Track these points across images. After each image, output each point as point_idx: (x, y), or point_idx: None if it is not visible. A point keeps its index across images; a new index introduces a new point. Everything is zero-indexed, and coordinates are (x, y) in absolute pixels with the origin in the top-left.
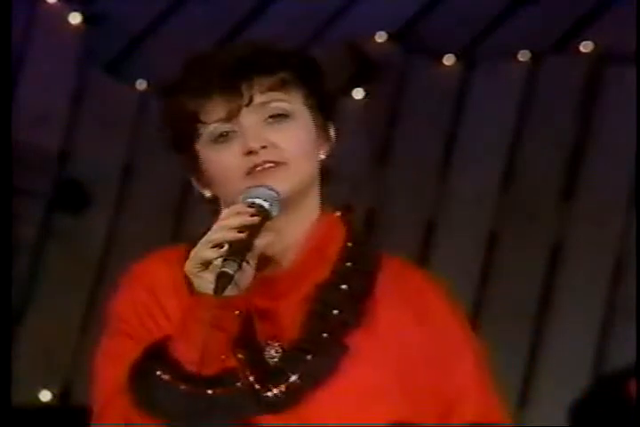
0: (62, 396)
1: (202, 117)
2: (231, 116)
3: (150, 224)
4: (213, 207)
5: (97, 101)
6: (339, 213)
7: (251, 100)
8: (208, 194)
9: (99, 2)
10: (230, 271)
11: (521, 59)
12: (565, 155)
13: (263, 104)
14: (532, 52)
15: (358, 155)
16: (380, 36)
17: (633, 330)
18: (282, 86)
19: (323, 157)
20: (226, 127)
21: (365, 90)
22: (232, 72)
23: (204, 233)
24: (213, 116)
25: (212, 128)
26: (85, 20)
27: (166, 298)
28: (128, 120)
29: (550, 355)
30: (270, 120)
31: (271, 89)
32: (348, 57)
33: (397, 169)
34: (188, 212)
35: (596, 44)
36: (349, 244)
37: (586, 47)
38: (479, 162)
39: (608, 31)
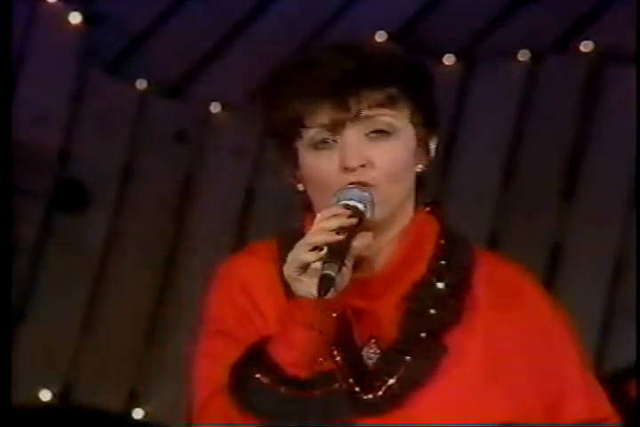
0: (62, 395)
1: (306, 122)
2: (336, 127)
3: (150, 224)
4: (305, 200)
5: (97, 101)
6: (428, 209)
7: (357, 115)
8: (301, 188)
9: (99, 1)
10: (332, 273)
11: (521, 58)
12: (565, 155)
13: (368, 118)
14: (532, 51)
15: None
16: (380, 36)
17: (633, 330)
18: (389, 102)
19: (420, 169)
20: (328, 135)
21: None
22: (340, 85)
23: (297, 233)
24: (317, 121)
25: (313, 133)
26: (85, 19)
27: (261, 297)
28: (128, 120)
29: None
30: (373, 135)
31: (379, 105)
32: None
33: None
34: (188, 212)
35: (596, 43)
36: (442, 241)
37: (586, 47)
38: (479, 161)
39: (608, 31)
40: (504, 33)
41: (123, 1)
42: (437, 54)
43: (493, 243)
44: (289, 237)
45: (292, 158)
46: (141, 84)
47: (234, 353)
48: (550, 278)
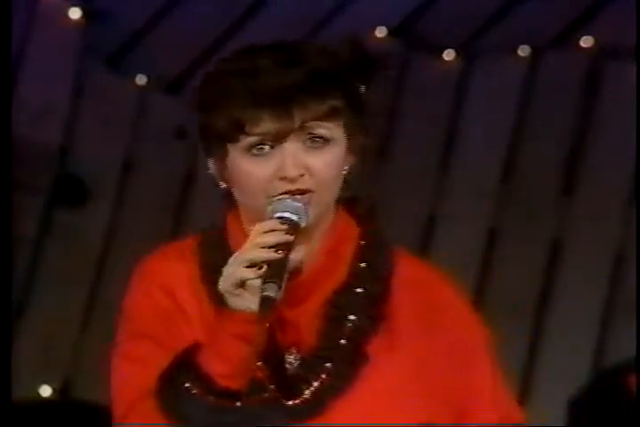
0: (62, 391)
1: (247, 128)
2: (278, 137)
3: (150, 220)
4: (226, 196)
5: (97, 97)
6: (345, 208)
7: (301, 126)
8: (224, 185)
9: None
10: (273, 295)
11: (521, 54)
12: (565, 151)
13: (308, 128)
14: (531, 47)
15: None
16: (380, 31)
17: (633, 328)
18: (332, 115)
19: (345, 171)
20: (267, 143)
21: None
22: (287, 95)
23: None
24: (258, 129)
25: (252, 140)
26: (85, 15)
27: (184, 299)
28: (128, 115)
29: (549, 352)
30: (309, 143)
31: (322, 118)
32: (347, 52)
33: (398, 165)
34: (187, 207)
35: (596, 39)
36: (362, 242)
37: (586, 42)
38: (479, 157)
39: (608, 26)
40: (504, 28)
41: None
42: (437, 49)
43: (493, 240)
44: (210, 237)
45: (221, 157)
46: (141, 79)
47: (157, 356)
48: (550, 275)
